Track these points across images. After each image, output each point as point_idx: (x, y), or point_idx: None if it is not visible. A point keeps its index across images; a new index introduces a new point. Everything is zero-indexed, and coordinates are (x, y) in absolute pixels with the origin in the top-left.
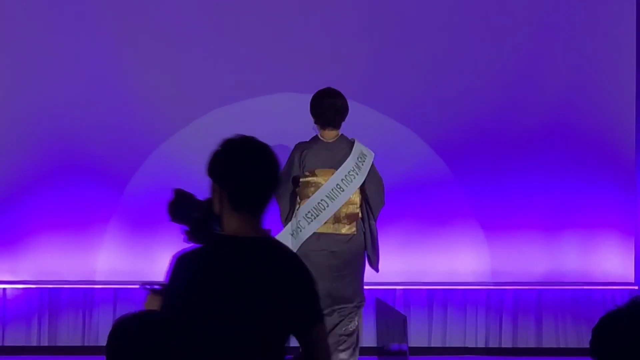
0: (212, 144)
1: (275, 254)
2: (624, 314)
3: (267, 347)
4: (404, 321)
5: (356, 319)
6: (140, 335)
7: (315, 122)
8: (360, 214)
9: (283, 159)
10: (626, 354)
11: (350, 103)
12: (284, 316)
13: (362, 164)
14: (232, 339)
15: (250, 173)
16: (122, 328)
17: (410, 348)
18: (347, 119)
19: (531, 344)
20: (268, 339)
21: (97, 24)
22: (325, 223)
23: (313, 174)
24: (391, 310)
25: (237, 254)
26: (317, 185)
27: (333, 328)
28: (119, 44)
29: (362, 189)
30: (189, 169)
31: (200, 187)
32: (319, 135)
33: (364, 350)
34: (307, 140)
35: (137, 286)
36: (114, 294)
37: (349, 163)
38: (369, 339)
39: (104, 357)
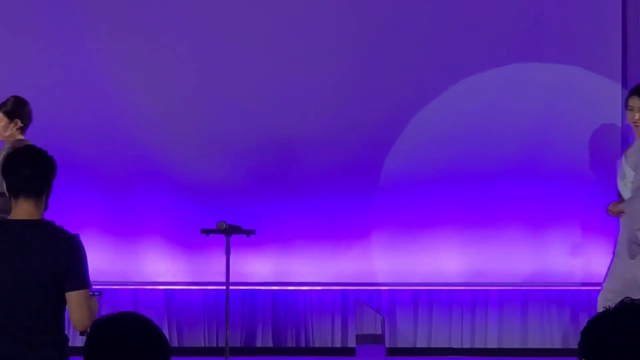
0: (211, 145)
1: (48, 232)
2: (613, 316)
3: (48, 305)
4: (382, 322)
5: None
6: (118, 336)
7: (24, 128)
8: None
9: (281, 156)
10: (615, 357)
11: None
12: (52, 280)
13: None
14: (13, 297)
15: (17, 170)
16: (101, 328)
17: (396, 349)
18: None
19: (516, 344)
20: (45, 299)
21: (88, 27)
22: None
23: None
24: (369, 311)
25: (12, 233)
26: None
27: None
28: (110, 49)
29: None
30: (188, 170)
31: (199, 187)
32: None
33: (345, 351)
34: None
35: (123, 287)
36: None
37: None
38: (349, 339)
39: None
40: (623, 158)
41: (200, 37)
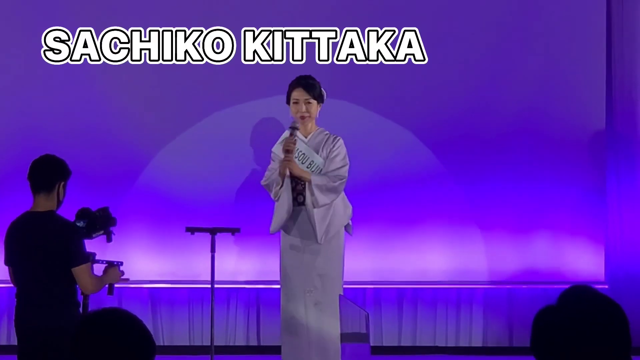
0: (195, 145)
1: (49, 221)
2: (556, 307)
3: (55, 278)
4: (366, 317)
5: None
6: (103, 332)
7: None
8: None
9: (265, 156)
10: (561, 347)
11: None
12: (55, 259)
13: None
14: (30, 273)
15: (31, 173)
16: (87, 324)
17: (381, 347)
18: (322, 114)
19: (502, 342)
20: (57, 272)
21: (71, 25)
22: None
23: None
24: (353, 306)
25: (26, 222)
26: None
27: None
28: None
29: None
30: (173, 170)
31: (184, 186)
32: None
33: None
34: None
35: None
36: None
37: None
38: None
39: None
40: (302, 144)
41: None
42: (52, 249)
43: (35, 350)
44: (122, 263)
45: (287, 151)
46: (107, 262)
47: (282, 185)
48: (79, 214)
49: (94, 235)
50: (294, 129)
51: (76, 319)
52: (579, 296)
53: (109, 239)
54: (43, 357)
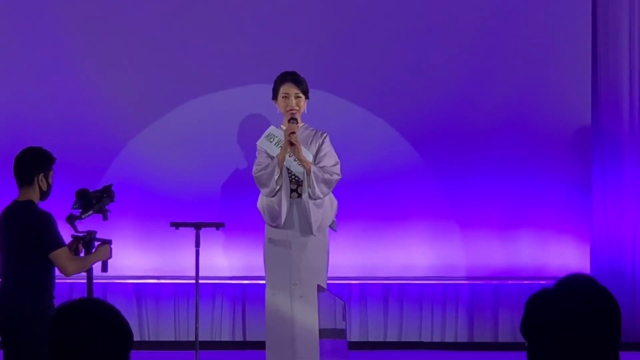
0: (180, 139)
1: (23, 210)
2: (551, 290)
3: (30, 265)
4: (343, 307)
5: None
6: (80, 321)
7: None
8: None
9: (250, 151)
10: (551, 330)
11: (312, 92)
12: (29, 247)
13: None
14: (7, 260)
15: (13, 167)
16: (63, 314)
17: (366, 342)
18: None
19: (487, 338)
20: (29, 259)
21: (59, 22)
22: None
23: None
24: (330, 296)
25: (7, 211)
26: None
27: None
28: (82, 42)
29: None
30: (158, 164)
31: (169, 180)
32: None
33: None
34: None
35: (92, 281)
36: (70, 288)
37: None
38: None
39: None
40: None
41: (179, 34)
42: (25, 237)
43: (13, 336)
44: (111, 241)
45: (292, 133)
46: (100, 240)
47: (280, 174)
48: (77, 196)
49: (83, 216)
50: (293, 119)
51: (51, 308)
52: (576, 283)
53: (104, 218)
54: (21, 343)
